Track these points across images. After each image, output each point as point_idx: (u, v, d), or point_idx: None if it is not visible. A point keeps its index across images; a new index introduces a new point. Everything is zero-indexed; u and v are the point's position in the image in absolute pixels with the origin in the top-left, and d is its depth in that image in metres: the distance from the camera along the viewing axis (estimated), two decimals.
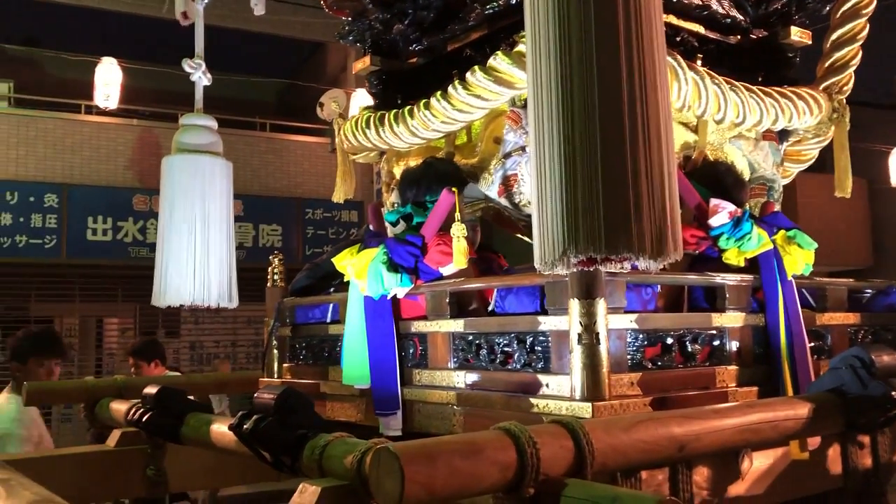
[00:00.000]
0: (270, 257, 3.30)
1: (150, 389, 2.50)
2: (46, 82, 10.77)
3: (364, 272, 2.48)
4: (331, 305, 2.95)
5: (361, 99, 8.69)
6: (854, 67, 3.01)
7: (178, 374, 5.20)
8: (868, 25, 3.00)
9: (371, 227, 2.78)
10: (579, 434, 1.47)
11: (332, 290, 3.05)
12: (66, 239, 9.44)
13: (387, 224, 2.81)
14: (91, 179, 9.69)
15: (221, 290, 3.08)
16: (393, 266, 2.43)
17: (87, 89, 9.24)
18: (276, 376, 3.16)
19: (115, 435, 2.81)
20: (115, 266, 9.72)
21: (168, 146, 3.31)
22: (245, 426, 1.89)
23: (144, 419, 2.47)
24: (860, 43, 3.00)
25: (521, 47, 2.42)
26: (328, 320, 2.95)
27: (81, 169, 9.68)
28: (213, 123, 3.31)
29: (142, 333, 10.23)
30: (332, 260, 2.72)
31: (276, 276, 3.24)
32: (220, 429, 2.17)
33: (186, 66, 3.36)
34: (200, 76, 3.37)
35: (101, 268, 9.74)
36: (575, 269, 1.73)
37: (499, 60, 2.48)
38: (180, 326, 10.27)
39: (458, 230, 2.41)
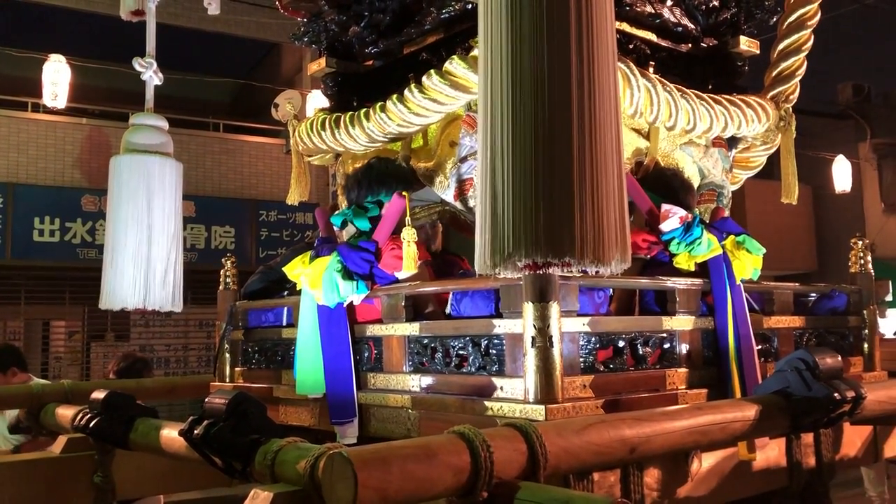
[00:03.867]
0: (223, 260, 3.26)
1: (98, 394, 2.45)
2: None
3: (319, 282, 2.46)
4: (284, 309, 2.92)
5: (316, 100, 8.61)
6: (800, 77, 3.09)
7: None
8: (813, 37, 3.09)
9: (321, 234, 2.76)
10: (532, 437, 1.48)
11: (285, 293, 3.02)
12: (11, 239, 9.17)
13: (336, 228, 2.79)
14: (38, 179, 9.43)
15: (168, 294, 3.02)
16: (348, 274, 2.41)
17: (34, 87, 9.00)
18: (227, 380, 3.12)
19: (62, 441, 2.74)
20: (62, 268, 9.47)
21: (119, 146, 3.25)
22: (196, 431, 1.86)
23: (92, 425, 2.41)
24: (805, 53, 3.08)
25: (476, 52, 2.43)
26: (282, 324, 2.92)
27: (28, 168, 9.41)
28: (164, 123, 3.25)
29: (90, 337, 10.00)
30: (284, 269, 2.68)
31: (228, 279, 3.19)
32: (170, 434, 2.13)
33: (137, 64, 3.29)
34: (151, 75, 3.30)
35: (47, 269, 9.48)
36: (520, 273, 1.73)
37: (455, 64, 2.49)
38: (130, 329, 10.04)
39: (409, 234, 2.40)
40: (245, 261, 9.06)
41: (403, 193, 2.50)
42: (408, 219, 2.43)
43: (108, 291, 2.92)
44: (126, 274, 2.90)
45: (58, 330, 10.26)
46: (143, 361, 4.54)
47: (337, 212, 2.82)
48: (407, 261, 2.37)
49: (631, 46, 2.74)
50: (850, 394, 2.05)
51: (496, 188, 1.64)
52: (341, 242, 2.56)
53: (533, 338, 1.93)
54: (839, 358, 2.16)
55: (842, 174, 11.52)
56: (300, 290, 2.64)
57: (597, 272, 1.71)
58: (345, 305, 2.49)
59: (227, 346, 3.13)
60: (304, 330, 2.55)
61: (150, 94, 3.28)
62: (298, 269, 2.54)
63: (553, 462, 1.50)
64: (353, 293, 2.42)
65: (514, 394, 2.02)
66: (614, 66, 1.75)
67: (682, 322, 2.33)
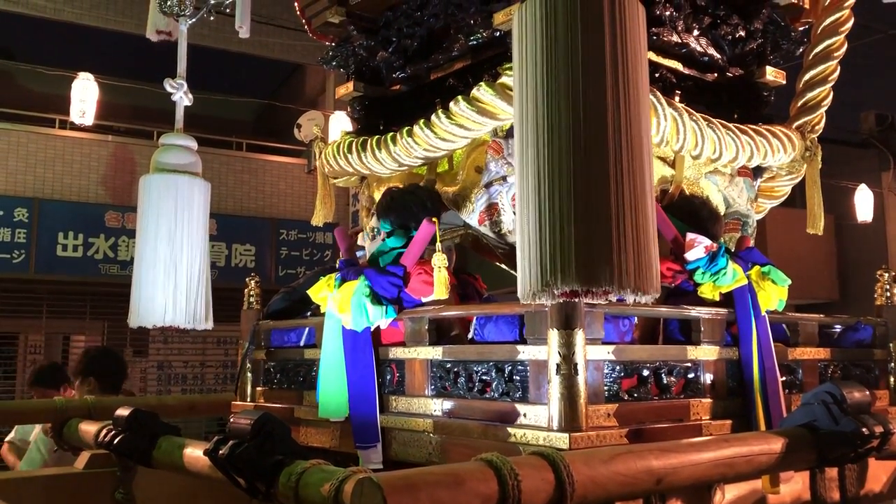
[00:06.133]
0: (247, 279, 3.28)
1: (122, 411, 2.46)
2: (20, 96, 10.63)
3: (347, 306, 2.46)
4: (307, 329, 2.93)
5: (340, 121, 8.71)
6: (826, 107, 3.09)
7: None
8: (839, 68, 3.09)
9: (343, 255, 2.76)
10: (560, 466, 1.48)
11: (308, 313, 3.03)
12: (35, 254, 9.28)
13: (364, 247, 2.81)
14: (63, 194, 9.55)
15: (197, 312, 3.04)
16: (376, 298, 2.42)
17: (62, 104, 9.15)
18: (249, 400, 3.12)
19: (84, 457, 2.76)
20: (84, 283, 9.56)
21: (143, 163, 3.31)
22: (221, 451, 1.87)
23: (116, 441, 2.43)
24: (832, 84, 3.08)
25: (504, 79, 2.45)
26: (303, 344, 2.93)
27: (53, 184, 9.54)
28: (193, 144, 3.29)
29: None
30: (308, 292, 2.69)
31: (251, 299, 3.21)
32: (194, 453, 2.14)
33: (168, 85, 3.33)
34: (182, 96, 3.35)
35: (69, 284, 9.58)
36: (558, 301, 1.74)
37: (482, 91, 2.51)
38: (148, 346, 10.09)
39: (440, 260, 2.41)
40: (265, 279, 9.04)
41: (433, 220, 2.51)
42: (438, 245, 2.44)
43: (137, 309, 2.94)
44: (155, 292, 2.92)
45: (77, 344, 10.32)
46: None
47: (371, 234, 2.84)
48: (439, 287, 2.37)
49: (657, 75, 2.75)
50: (879, 429, 2.02)
51: (535, 217, 1.65)
52: (366, 265, 2.57)
53: (557, 365, 1.93)
54: (867, 392, 2.14)
55: (864, 204, 11.44)
56: (324, 312, 2.65)
57: (619, 299, 1.72)
58: (371, 330, 2.49)
59: (248, 365, 3.14)
60: (329, 353, 2.55)
61: (179, 114, 3.32)
62: (324, 293, 2.55)
63: (580, 492, 1.50)
64: (381, 317, 2.43)
65: (538, 421, 2.01)
66: (646, 93, 1.76)
67: (706, 352, 2.32)
